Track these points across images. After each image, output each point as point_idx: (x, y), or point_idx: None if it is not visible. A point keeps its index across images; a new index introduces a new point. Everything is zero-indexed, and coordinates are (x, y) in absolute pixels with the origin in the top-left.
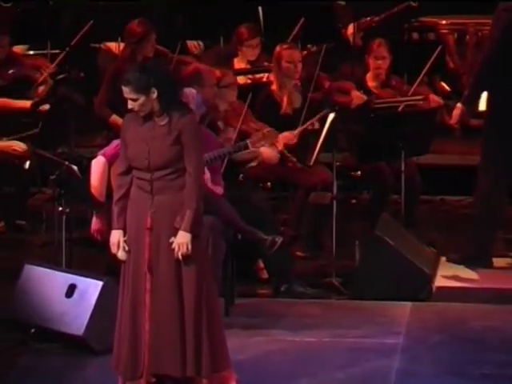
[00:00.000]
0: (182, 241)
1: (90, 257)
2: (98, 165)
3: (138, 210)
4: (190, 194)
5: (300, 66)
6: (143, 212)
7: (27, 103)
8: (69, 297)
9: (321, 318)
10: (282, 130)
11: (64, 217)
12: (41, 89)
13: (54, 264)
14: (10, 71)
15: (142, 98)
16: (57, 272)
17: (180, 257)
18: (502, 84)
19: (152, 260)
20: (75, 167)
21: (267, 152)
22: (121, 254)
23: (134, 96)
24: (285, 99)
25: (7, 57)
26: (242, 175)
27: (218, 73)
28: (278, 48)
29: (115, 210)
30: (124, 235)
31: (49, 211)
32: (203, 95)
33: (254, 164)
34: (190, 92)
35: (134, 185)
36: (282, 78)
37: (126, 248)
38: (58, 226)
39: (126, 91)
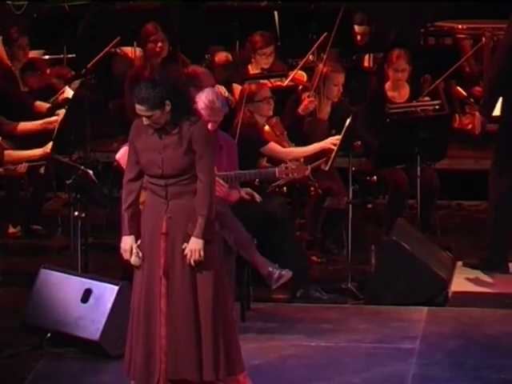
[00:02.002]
0: (194, 247)
1: (105, 261)
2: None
3: (153, 215)
4: (202, 200)
5: (341, 88)
6: (159, 217)
7: (43, 107)
8: (84, 301)
9: (337, 323)
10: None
11: (80, 221)
12: (61, 98)
13: (70, 269)
14: (35, 79)
15: (158, 113)
16: (72, 277)
17: (192, 263)
18: None
19: (167, 265)
20: (91, 172)
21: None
22: (134, 260)
23: (149, 113)
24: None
25: (30, 64)
26: (257, 180)
27: (253, 87)
28: (323, 67)
29: (126, 216)
30: (136, 241)
31: (65, 216)
32: None
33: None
34: (214, 91)
35: (148, 190)
36: (320, 96)
37: (140, 254)
38: (74, 231)
39: (141, 109)
